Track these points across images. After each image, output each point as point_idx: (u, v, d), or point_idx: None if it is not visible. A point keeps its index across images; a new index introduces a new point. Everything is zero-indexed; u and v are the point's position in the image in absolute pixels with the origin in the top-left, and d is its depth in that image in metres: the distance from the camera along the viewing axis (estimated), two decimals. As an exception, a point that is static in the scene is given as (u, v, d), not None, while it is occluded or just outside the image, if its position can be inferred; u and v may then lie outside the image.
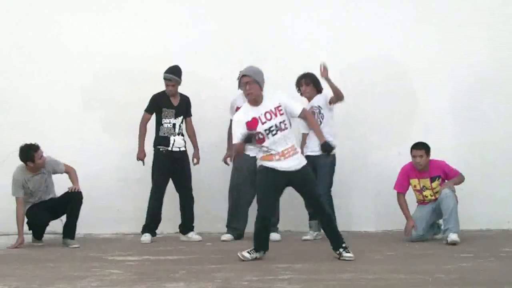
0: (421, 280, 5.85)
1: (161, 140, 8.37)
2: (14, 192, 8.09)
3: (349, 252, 6.79)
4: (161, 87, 8.44)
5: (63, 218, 8.24)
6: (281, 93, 6.87)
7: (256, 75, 6.75)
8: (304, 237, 8.38)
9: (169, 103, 8.40)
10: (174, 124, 8.38)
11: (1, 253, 7.71)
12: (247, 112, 6.76)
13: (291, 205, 8.84)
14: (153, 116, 8.50)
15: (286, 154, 6.71)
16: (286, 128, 6.74)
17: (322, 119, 8.30)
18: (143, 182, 8.58)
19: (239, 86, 8.22)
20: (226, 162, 8.61)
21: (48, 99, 9.17)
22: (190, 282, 5.85)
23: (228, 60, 9.00)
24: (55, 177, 8.35)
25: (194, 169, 8.60)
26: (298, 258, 7.04)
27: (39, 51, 9.21)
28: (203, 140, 8.76)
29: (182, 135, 8.45)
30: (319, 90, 8.42)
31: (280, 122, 6.70)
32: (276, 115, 6.71)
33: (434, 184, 8.14)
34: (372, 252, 7.36)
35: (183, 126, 8.50)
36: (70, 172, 8.27)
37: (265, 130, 6.68)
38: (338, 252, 6.80)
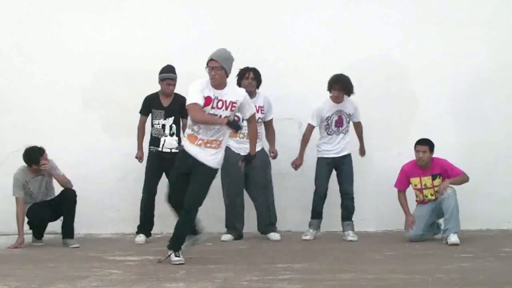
0: (421, 280, 5.85)
1: (152, 141, 8.39)
2: (15, 192, 8.08)
3: (178, 256, 6.72)
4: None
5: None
6: (245, 93, 6.90)
7: (224, 61, 6.68)
8: (304, 237, 8.37)
9: (159, 104, 8.37)
10: (163, 125, 8.37)
11: (1, 253, 7.70)
12: (208, 88, 6.68)
13: (291, 205, 8.85)
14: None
15: (207, 144, 6.69)
16: None
17: (348, 128, 8.41)
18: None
19: (238, 83, 8.24)
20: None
21: (48, 99, 9.15)
22: (190, 282, 5.85)
23: (228, 60, 8.99)
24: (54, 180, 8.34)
25: (193, 169, 8.57)
26: (298, 258, 7.05)
27: (39, 51, 9.19)
28: (202, 139, 8.73)
29: (177, 135, 8.43)
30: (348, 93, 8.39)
31: (225, 116, 6.70)
32: (226, 108, 6.71)
33: (436, 182, 8.15)
34: (372, 252, 7.36)
35: (175, 126, 8.38)
36: (62, 180, 8.18)
37: (209, 114, 6.68)
38: (168, 253, 6.78)
